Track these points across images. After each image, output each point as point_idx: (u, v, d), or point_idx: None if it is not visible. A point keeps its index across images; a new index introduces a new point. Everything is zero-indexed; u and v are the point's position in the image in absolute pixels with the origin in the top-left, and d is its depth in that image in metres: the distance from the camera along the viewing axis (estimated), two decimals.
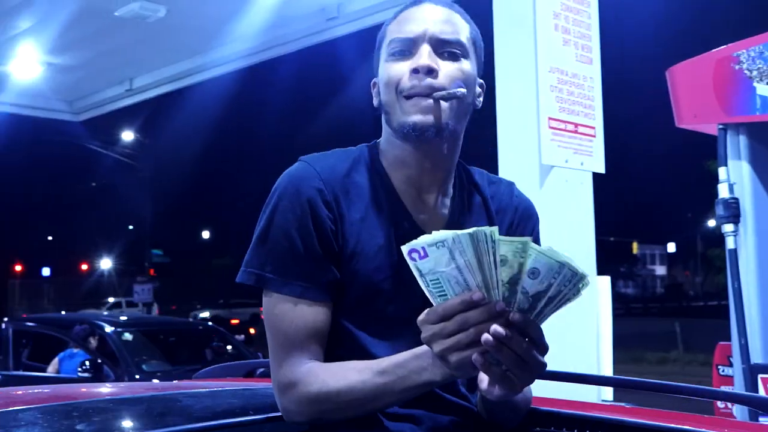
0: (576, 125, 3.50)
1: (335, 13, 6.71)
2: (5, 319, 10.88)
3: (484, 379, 1.28)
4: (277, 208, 1.50)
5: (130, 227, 46.16)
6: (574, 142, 3.49)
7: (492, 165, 3.58)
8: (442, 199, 1.59)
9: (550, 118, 3.41)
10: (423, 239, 1.20)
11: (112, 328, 8.67)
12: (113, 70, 9.05)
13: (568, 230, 3.51)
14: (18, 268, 50.09)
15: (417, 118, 1.49)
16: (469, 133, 1.64)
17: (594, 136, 3.61)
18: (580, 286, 1.23)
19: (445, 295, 1.23)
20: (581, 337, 3.44)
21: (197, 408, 1.81)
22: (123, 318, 10.35)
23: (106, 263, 46.40)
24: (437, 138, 1.51)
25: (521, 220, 1.67)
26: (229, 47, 7.96)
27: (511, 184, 1.73)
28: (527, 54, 3.43)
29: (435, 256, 1.21)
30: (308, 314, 1.48)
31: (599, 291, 3.61)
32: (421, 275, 1.23)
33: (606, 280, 3.65)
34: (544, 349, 1.27)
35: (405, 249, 1.22)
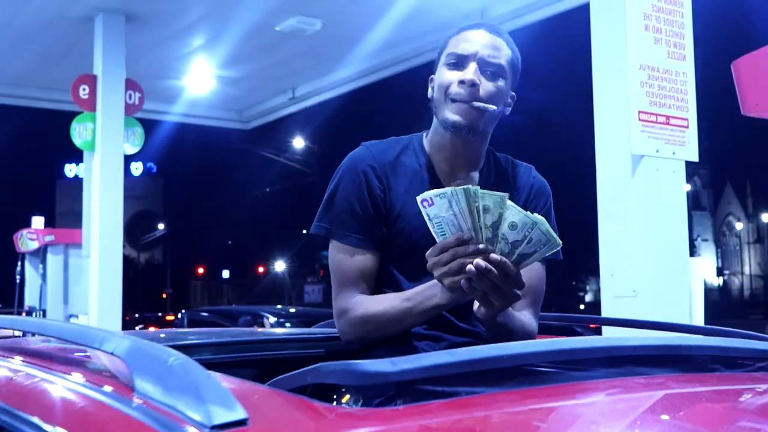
0: (668, 117, 3.78)
1: (479, 17, 7.12)
2: (183, 310, 11.90)
3: (475, 302, 1.72)
4: (341, 179, 2.00)
5: (304, 231, 47.93)
6: (665, 133, 3.77)
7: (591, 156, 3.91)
8: (471, 175, 2.04)
9: (640, 112, 3.72)
10: (430, 192, 1.65)
11: (275, 319, 9.46)
12: (277, 81, 9.81)
13: (660, 216, 3.79)
14: (200, 270, 53.30)
15: (456, 118, 1.93)
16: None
17: (687, 127, 3.87)
18: (555, 250, 1.64)
19: (445, 234, 1.67)
20: (674, 316, 3.70)
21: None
22: (285, 310, 11.16)
23: (279, 266, 48.52)
24: (469, 135, 1.96)
25: (535, 195, 2.06)
26: (382, 54, 8.48)
27: (529, 167, 2.13)
28: (620, 54, 3.75)
29: (438, 204, 1.65)
30: (360, 260, 1.96)
31: (692, 273, 3.85)
32: (429, 219, 1.67)
33: (697, 262, 3.88)
34: (519, 284, 1.66)
35: (418, 198, 1.66)
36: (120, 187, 7.62)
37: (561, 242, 1.63)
